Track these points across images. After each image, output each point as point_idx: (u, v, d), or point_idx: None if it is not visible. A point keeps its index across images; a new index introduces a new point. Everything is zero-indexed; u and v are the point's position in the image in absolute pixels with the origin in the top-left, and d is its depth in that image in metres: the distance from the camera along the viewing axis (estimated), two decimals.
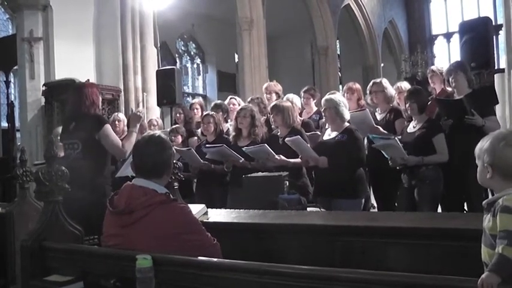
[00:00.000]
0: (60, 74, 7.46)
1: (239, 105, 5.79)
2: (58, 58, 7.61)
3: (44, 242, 2.47)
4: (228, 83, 16.45)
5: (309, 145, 4.44)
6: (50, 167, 2.58)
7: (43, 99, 7.59)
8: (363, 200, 4.38)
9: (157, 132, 2.39)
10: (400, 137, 4.31)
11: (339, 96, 4.71)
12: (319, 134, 4.73)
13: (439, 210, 4.33)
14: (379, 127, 4.56)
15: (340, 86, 15.35)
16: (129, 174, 5.62)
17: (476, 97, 4.24)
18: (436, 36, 20.95)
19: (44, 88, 7.56)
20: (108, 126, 3.83)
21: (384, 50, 18.92)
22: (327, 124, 4.66)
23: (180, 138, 5.48)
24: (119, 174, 4.30)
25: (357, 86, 5.41)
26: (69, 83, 6.98)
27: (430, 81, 5.46)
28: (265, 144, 4.53)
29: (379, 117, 4.90)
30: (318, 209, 3.64)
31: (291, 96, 5.86)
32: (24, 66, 7.58)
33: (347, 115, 4.40)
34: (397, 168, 4.26)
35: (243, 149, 4.64)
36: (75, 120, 3.84)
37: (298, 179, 4.43)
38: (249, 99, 5.95)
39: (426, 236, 2.29)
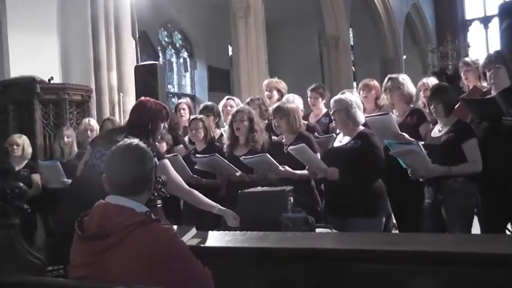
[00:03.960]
0: (16, 70, 7.44)
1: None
2: (13, 51, 7.60)
3: None
4: (221, 80, 16.49)
5: (318, 154, 4.45)
6: (5, 183, 2.58)
7: None
8: (384, 219, 4.38)
9: (135, 140, 2.38)
10: (422, 142, 4.31)
11: (350, 96, 4.73)
12: (335, 135, 4.74)
13: (474, 231, 4.33)
14: (404, 134, 4.54)
15: (354, 83, 15.38)
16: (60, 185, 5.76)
17: None
18: (471, 21, 20.77)
19: None
20: (167, 163, 3.85)
21: (406, 39, 18.96)
22: (338, 129, 4.68)
23: (164, 146, 5.50)
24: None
25: (375, 82, 5.43)
26: (28, 82, 7.02)
27: (462, 76, 5.47)
28: (267, 154, 4.54)
29: (395, 120, 4.90)
30: (328, 230, 3.63)
31: (291, 96, 5.90)
32: None
33: (361, 118, 4.42)
34: (420, 180, 4.26)
35: (241, 158, 4.66)
36: (127, 133, 3.79)
37: (305, 194, 4.43)
38: (248, 100, 5.98)
39: (458, 263, 2.30)
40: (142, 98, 4.07)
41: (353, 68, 17.45)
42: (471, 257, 2.30)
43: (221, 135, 5.80)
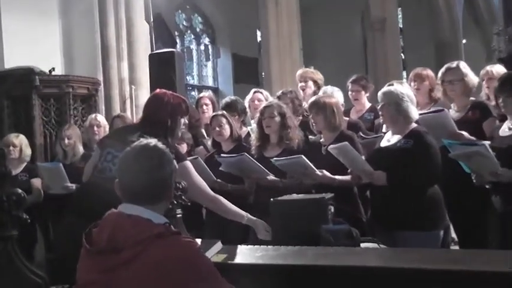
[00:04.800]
0: (12, 60, 7.55)
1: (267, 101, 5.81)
2: (7, 38, 7.72)
3: None
4: (248, 71, 16.49)
5: (362, 156, 4.44)
6: (1, 190, 2.62)
7: None
8: (441, 233, 4.34)
9: (152, 140, 2.39)
10: (489, 142, 4.26)
11: (401, 88, 4.71)
12: (383, 135, 4.72)
13: None
14: (464, 133, 4.52)
15: (404, 73, 15.29)
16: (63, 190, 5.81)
17: None
18: None
19: None
20: (188, 165, 3.89)
21: (466, 20, 18.77)
22: (384, 126, 4.65)
23: (184, 147, 5.52)
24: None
25: (428, 72, 5.40)
26: (25, 73, 7.11)
27: None
28: (302, 156, 4.55)
29: (454, 116, 4.86)
30: (375, 245, 3.61)
31: (329, 89, 5.89)
32: None
33: (413, 113, 4.39)
34: (486, 187, 4.22)
35: (272, 160, 4.67)
36: (142, 132, 3.83)
37: (347, 202, 4.42)
38: (279, 93, 5.98)
39: None
40: (158, 90, 4.10)
41: (402, 55, 17.33)
42: None
43: (248, 134, 5.81)
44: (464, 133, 4.52)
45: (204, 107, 6.45)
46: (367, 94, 6.01)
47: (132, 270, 2.16)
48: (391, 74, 13.15)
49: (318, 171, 4.54)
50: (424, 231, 4.12)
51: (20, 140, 6.43)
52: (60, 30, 8.22)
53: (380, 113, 4.55)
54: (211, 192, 3.94)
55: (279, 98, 5.73)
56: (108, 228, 2.27)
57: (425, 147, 4.23)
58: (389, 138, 4.44)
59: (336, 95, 5.61)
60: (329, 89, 5.88)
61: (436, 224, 4.25)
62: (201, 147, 5.90)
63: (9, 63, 7.54)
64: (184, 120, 4.08)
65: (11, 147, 6.28)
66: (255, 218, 3.88)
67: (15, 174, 6.04)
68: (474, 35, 19.17)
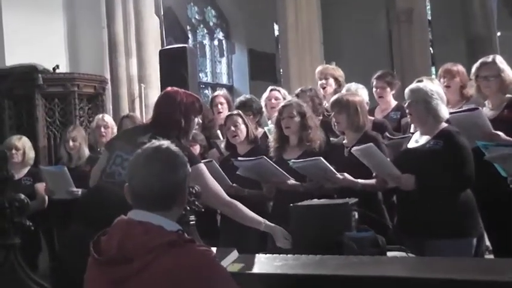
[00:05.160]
0: (13, 58, 7.58)
1: (284, 100, 5.81)
2: (9, 34, 7.75)
3: None
4: (265, 67, 16.48)
5: (388, 158, 4.44)
6: (3, 195, 2.63)
7: None
8: (475, 241, 4.33)
9: (165, 142, 2.40)
10: None
11: (430, 84, 4.70)
12: (411, 135, 4.70)
13: None
14: (499, 133, 4.48)
15: (433, 69, 15.20)
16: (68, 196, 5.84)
17: None
18: None
19: None
20: (202, 168, 3.91)
21: (501, 11, 18.64)
22: (412, 126, 4.63)
23: (197, 149, 5.53)
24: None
25: (459, 68, 5.39)
26: (27, 72, 7.15)
27: None
28: (321, 158, 4.55)
29: (488, 114, 4.83)
30: (404, 254, 3.60)
31: (353, 86, 5.92)
32: None
33: (444, 112, 4.38)
34: None
35: (290, 162, 4.67)
36: (153, 133, 3.85)
37: (372, 208, 4.40)
38: (297, 91, 5.99)
39: None
40: (169, 88, 4.11)
41: (431, 49, 17.24)
42: None
43: (264, 135, 5.82)
44: (500, 133, 4.49)
45: (219, 106, 6.46)
46: (393, 91, 5.99)
47: (143, 280, 2.17)
48: (419, 70, 13.05)
49: (338, 175, 4.53)
50: (456, 239, 4.11)
51: (22, 142, 6.48)
52: (65, 25, 8.27)
53: (407, 111, 4.53)
54: (227, 197, 3.94)
55: (297, 96, 5.73)
56: (117, 236, 2.27)
57: (456, 149, 4.21)
58: (418, 139, 4.43)
59: (360, 93, 5.62)
60: (353, 86, 5.89)
61: (469, 232, 4.24)
62: (214, 149, 5.91)
63: (11, 60, 7.56)
64: (198, 120, 4.10)
65: (14, 150, 6.33)
66: (273, 225, 3.88)
67: (18, 179, 6.11)
68: (510, 27, 19.03)
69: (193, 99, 4.00)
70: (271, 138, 5.25)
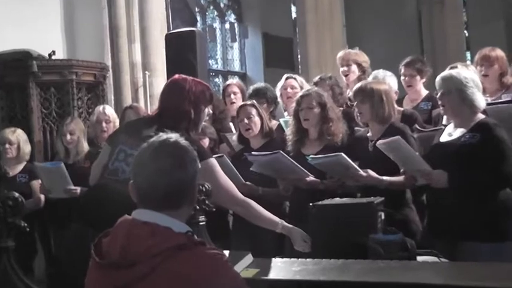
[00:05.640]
0: (5, 43, 7.52)
1: (302, 89, 5.81)
2: (1, 19, 7.68)
3: None
4: (281, 53, 16.43)
5: (417, 153, 4.42)
6: None
7: None
8: None
9: (173, 135, 2.40)
10: None
11: (465, 71, 4.67)
12: (443, 128, 4.68)
13: None
14: None
15: (468, 54, 15.12)
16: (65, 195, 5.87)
17: None
18: None
19: None
20: (213, 163, 3.92)
21: None
22: (445, 118, 4.62)
23: (206, 143, 5.54)
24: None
25: (498, 53, 5.37)
26: (20, 58, 7.16)
27: None
28: (342, 153, 4.55)
29: None
30: (435, 259, 3.60)
31: (381, 73, 5.90)
32: None
33: (480, 102, 4.37)
34: None
35: (309, 158, 4.68)
36: (159, 125, 3.88)
37: (400, 208, 4.43)
38: (315, 79, 5.99)
39: None
40: (177, 76, 4.12)
41: (465, 32, 17.14)
42: None
43: (279, 127, 5.83)
44: None
45: (232, 96, 6.49)
46: (423, 80, 5.97)
47: (148, 286, 2.18)
48: (452, 56, 12.99)
49: (362, 172, 4.52)
50: (494, 243, 4.10)
51: (17, 135, 6.49)
52: (61, 6, 8.27)
53: (439, 103, 4.52)
54: (240, 195, 3.96)
55: (315, 84, 5.74)
56: (121, 237, 2.28)
57: (495, 143, 4.20)
58: (451, 132, 4.42)
59: (388, 81, 5.60)
60: (380, 73, 5.87)
61: (508, 234, 4.21)
62: (225, 143, 5.92)
63: (1, 46, 7.49)
64: (208, 111, 4.10)
65: (7, 145, 6.36)
66: (291, 226, 3.89)
67: (12, 176, 6.12)
68: None
69: (203, 88, 4.00)
70: (287, 131, 5.25)
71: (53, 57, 7.47)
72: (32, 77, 7.23)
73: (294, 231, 3.85)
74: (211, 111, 4.83)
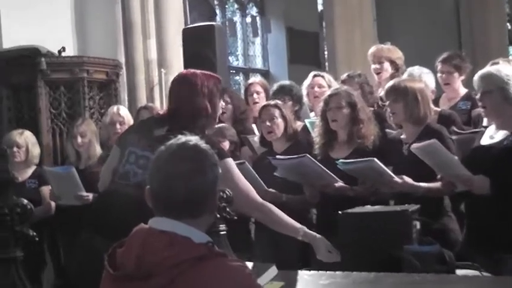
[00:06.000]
0: (12, 39, 7.61)
1: (330, 88, 5.80)
2: (8, 13, 7.76)
3: None
4: (306, 48, 16.43)
5: (456, 157, 4.40)
6: (3, 201, 2.66)
7: None
8: None
9: (192, 138, 2.40)
10: None
11: (508, 68, 4.63)
12: (484, 130, 4.65)
13: None
14: None
15: (511, 49, 15.03)
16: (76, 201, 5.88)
17: None
18: None
19: None
20: (230, 164, 3.92)
21: None
22: (486, 119, 4.61)
23: (226, 146, 5.53)
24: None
25: None
26: (28, 55, 7.19)
27: None
28: (374, 159, 4.53)
29: None
30: (476, 273, 3.58)
31: (417, 70, 5.89)
32: None
33: None
34: None
35: (338, 163, 4.66)
36: (171, 125, 3.90)
37: (437, 216, 4.42)
38: (343, 77, 6.00)
39: None
40: (185, 71, 4.12)
41: (509, 25, 17.04)
42: None
43: (304, 129, 5.83)
44: None
45: (255, 95, 6.49)
46: (462, 77, 5.94)
47: None
48: (493, 51, 12.89)
49: (397, 178, 4.50)
50: None
51: (25, 138, 6.49)
52: (72, 0, 8.32)
53: (480, 104, 4.49)
54: (259, 199, 3.95)
55: (343, 82, 5.73)
56: (136, 248, 2.29)
57: None
58: (493, 135, 4.39)
59: (424, 79, 5.57)
60: (416, 70, 5.85)
61: None
62: (246, 147, 5.94)
63: (9, 42, 7.60)
64: (221, 104, 4.09)
65: (15, 148, 6.36)
66: (314, 234, 3.87)
67: (21, 181, 6.13)
68: None
69: (214, 80, 4.01)
70: (314, 133, 5.24)
71: (63, 54, 7.52)
72: (41, 75, 7.26)
73: (317, 240, 3.83)
74: (223, 104, 4.81)
